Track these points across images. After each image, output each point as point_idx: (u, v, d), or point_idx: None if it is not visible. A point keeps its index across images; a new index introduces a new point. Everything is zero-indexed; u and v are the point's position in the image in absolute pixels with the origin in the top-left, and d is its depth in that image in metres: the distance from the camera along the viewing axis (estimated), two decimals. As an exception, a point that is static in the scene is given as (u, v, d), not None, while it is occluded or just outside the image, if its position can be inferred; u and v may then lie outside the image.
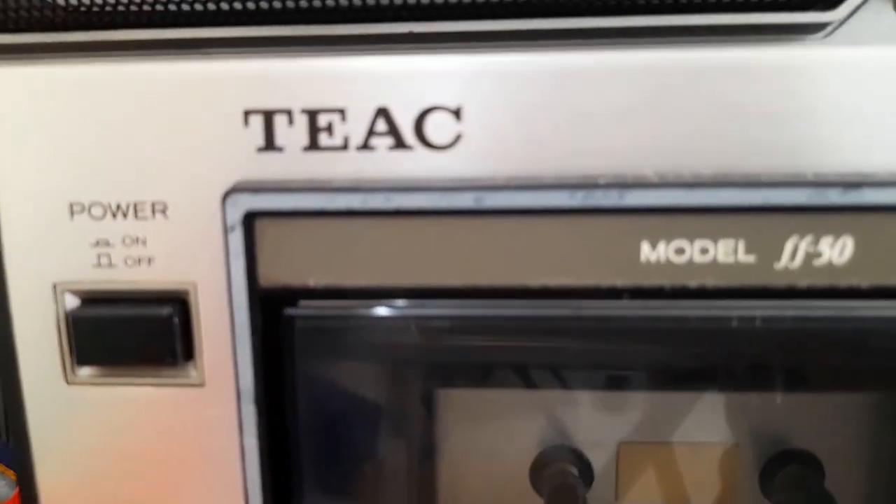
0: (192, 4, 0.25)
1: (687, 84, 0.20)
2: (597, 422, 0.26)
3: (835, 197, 0.19)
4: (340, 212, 0.20)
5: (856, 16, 0.29)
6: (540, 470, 0.26)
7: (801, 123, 0.20)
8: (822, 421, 0.25)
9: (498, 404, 0.24)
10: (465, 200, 0.20)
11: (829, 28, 0.29)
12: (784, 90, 0.20)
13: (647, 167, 0.20)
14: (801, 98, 0.20)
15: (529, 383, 0.22)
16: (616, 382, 0.22)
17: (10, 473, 0.44)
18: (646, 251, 0.20)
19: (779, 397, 0.24)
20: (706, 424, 0.26)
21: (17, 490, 0.28)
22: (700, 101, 0.20)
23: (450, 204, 0.20)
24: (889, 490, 0.25)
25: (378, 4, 0.24)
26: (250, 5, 0.22)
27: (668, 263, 0.20)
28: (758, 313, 0.20)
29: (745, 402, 0.26)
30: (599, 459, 0.26)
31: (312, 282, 0.21)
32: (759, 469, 0.26)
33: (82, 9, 0.28)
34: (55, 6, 0.28)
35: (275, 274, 0.21)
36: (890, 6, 0.30)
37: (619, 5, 0.27)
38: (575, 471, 0.26)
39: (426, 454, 0.22)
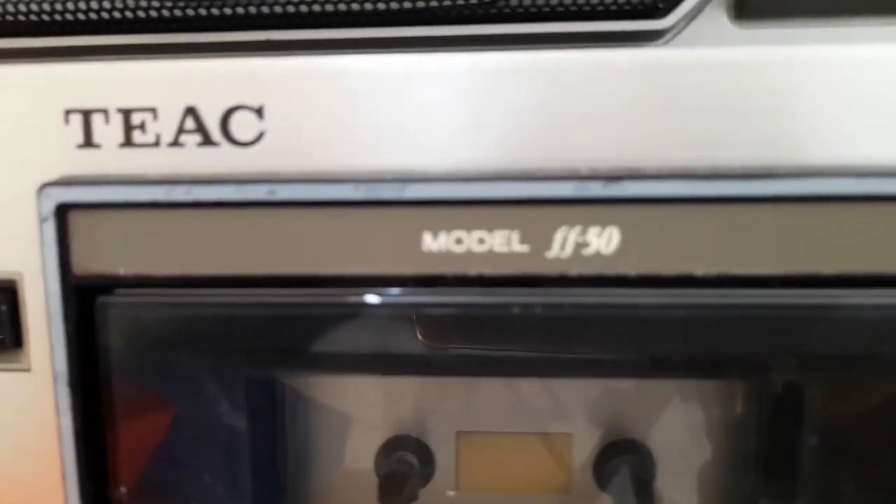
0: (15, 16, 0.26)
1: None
2: (437, 412, 0.27)
3: (597, 190, 0.20)
4: (145, 203, 0.21)
5: (694, 25, 0.31)
6: (381, 460, 0.27)
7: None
8: (648, 410, 0.27)
9: (309, 391, 0.26)
10: (258, 193, 0.21)
11: (668, 36, 0.30)
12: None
13: (431, 163, 0.21)
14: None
15: (329, 368, 0.23)
16: (407, 368, 0.23)
17: None
18: (427, 241, 0.21)
19: (588, 386, 0.25)
20: (541, 415, 0.27)
21: None
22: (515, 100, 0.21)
23: (245, 196, 0.21)
24: (711, 472, 0.26)
25: (198, 15, 0.25)
26: (69, 17, 0.23)
27: (449, 253, 0.21)
28: (537, 300, 0.21)
29: (576, 393, 0.27)
30: (440, 449, 0.28)
31: (122, 271, 0.22)
32: (593, 458, 0.27)
33: None
34: None
35: (89, 263, 0.22)
36: (725, 16, 0.32)
37: (446, 14, 0.28)
38: (414, 460, 0.27)
39: (230, 438, 0.23)
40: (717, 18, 0.31)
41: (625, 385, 0.26)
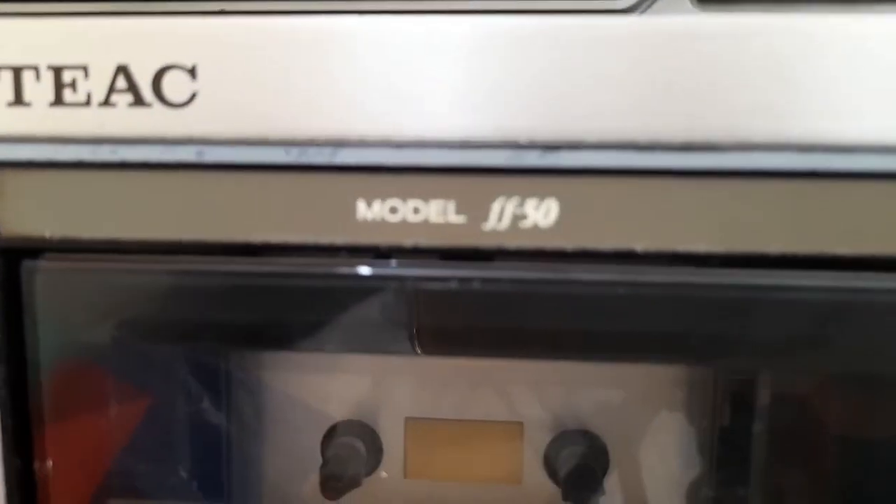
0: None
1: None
2: (385, 397, 0.27)
3: (533, 159, 0.20)
4: (71, 163, 0.21)
5: (656, 7, 0.30)
6: (326, 445, 0.27)
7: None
8: (601, 399, 0.26)
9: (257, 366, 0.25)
10: (186, 154, 0.20)
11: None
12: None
13: (368, 129, 0.21)
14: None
15: (260, 343, 0.23)
16: (340, 344, 0.22)
17: None
18: (362, 210, 0.20)
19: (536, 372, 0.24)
20: (491, 403, 0.26)
21: None
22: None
23: (172, 157, 0.20)
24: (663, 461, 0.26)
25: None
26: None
27: (383, 222, 0.20)
28: (476, 275, 0.21)
29: (528, 382, 0.26)
30: (388, 435, 0.27)
31: (48, 233, 0.21)
32: (544, 448, 0.26)
33: None
34: None
35: (15, 225, 0.21)
36: (687, -1, 0.31)
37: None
38: (360, 445, 0.27)
39: (164, 410, 0.23)
40: (679, 0, 0.31)
41: (578, 374, 0.26)
